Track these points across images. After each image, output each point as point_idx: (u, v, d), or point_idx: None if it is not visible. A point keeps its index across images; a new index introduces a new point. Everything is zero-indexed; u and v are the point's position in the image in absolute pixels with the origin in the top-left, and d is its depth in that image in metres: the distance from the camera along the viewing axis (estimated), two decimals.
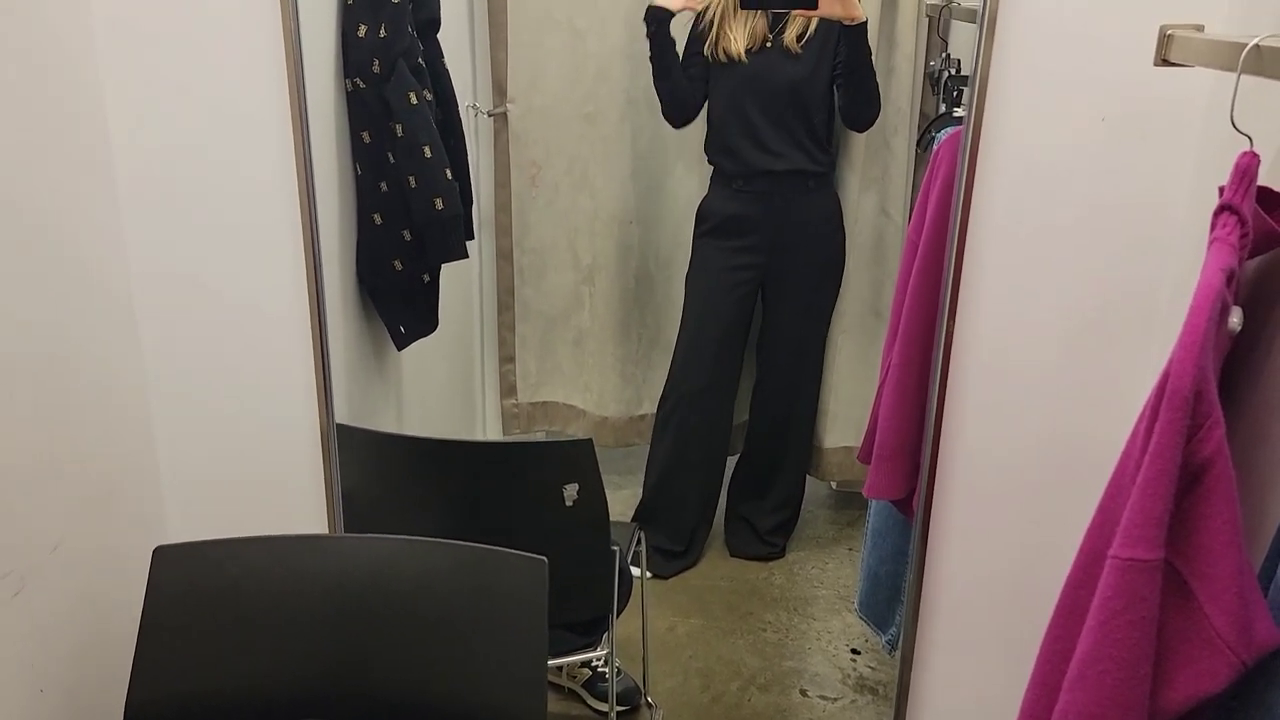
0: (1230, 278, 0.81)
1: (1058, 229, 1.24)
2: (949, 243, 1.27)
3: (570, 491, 1.54)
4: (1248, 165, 0.84)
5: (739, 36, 2.20)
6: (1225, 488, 0.74)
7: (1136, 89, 1.17)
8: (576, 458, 1.53)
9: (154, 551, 1.21)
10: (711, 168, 2.38)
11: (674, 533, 2.54)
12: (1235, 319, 0.88)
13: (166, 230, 1.40)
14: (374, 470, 1.59)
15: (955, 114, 1.83)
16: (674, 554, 2.52)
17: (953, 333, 1.28)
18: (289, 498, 1.48)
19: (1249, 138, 0.86)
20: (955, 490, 1.34)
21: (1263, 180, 0.92)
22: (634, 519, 2.59)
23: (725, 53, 2.22)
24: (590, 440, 1.52)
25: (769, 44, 2.21)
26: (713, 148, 2.35)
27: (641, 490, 2.62)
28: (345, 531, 1.49)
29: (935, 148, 1.67)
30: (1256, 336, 0.93)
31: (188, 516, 1.49)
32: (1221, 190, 0.87)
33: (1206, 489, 0.74)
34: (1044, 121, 1.21)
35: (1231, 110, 0.83)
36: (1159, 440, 0.73)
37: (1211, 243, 0.83)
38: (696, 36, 2.26)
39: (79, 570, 1.32)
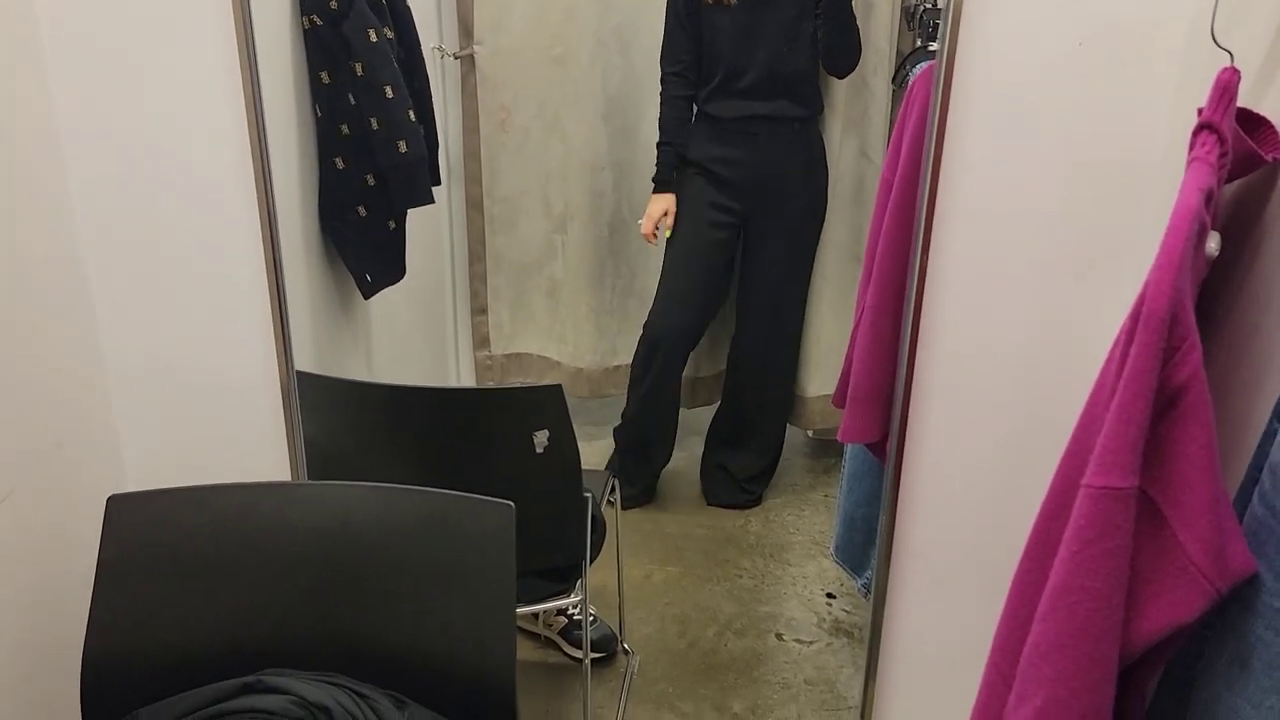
0: (1209, 198, 0.78)
1: (1035, 158, 1.21)
2: (922, 176, 1.23)
3: (540, 438, 1.51)
4: (1228, 81, 0.81)
5: None
6: (1201, 413, 0.72)
7: (1115, 10, 1.13)
8: (546, 404, 1.50)
9: (108, 500, 1.17)
10: (694, 109, 2.33)
11: (638, 476, 2.56)
12: (1213, 244, 0.85)
13: (114, 176, 1.35)
14: (339, 419, 1.56)
15: (930, 48, 1.78)
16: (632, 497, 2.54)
17: (926, 268, 1.25)
18: (251, 447, 1.44)
19: (1229, 53, 0.82)
20: (928, 429, 1.32)
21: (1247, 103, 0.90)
22: (607, 466, 2.58)
23: None
24: (560, 386, 1.49)
25: None
26: (700, 96, 2.30)
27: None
28: (309, 481, 1.46)
29: (910, 83, 1.63)
30: (1235, 261, 0.90)
31: (146, 466, 1.45)
32: (1201, 110, 0.84)
33: (1182, 414, 0.72)
34: (1019, 48, 1.17)
35: (1212, 22, 0.80)
36: (1134, 365, 0.71)
37: (1190, 162, 0.80)
38: None
39: (31, 521, 1.28)
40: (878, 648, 1.41)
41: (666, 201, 2.37)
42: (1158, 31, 1.13)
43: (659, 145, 2.37)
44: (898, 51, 2.39)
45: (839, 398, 1.76)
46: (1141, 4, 1.12)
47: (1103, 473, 0.72)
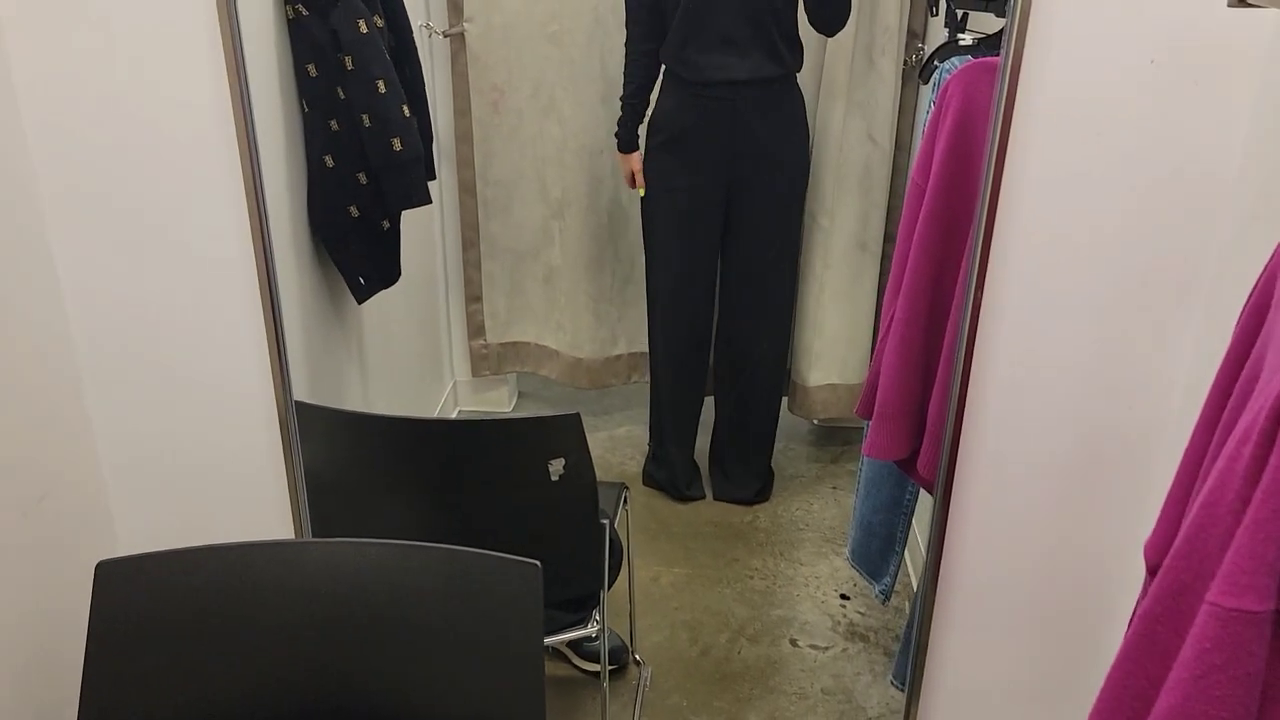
0: None
1: (1097, 185, 1.12)
2: (980, 198, 1.14)
3: (556, 466, 1.43)
4: None
5: None
6: None
7: (1190, 30, 1.04)
8: (563, 432, 1.41)
9: (96, 567, 1.08)
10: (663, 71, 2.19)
11: (680, 472, 2.50)
12: None
13: (92, 194, 1.23)
14: (342, 452, 1.46)
15: (961, 41, 1.67)
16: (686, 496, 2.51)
17: (980, 300, 1.16)
18: (248, 486, 1.34)
19: None
20: (978, 469, 1.24)
21: None
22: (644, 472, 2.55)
23: None
24: (578, 415, 1.40)
25: None
26: (669, 51, 2.14)
27: (621, 427, 2.53)
28: (312, 521, 1.36)
29: (943, 82, 1.53)
30: None
31: (135, 516, 1.35)
32: None
33: None
34: (1087, 62, 1.07)
35: None
36: (1274, 476, 0.63)
37: None
38: None
39: (16, 584, 1.19)
40: (918, 691, 1.35)
41: (633, 160, 2.29)
42: (1237, 53, 1.04)
43: (621, 102, 2.25)
44: (909, 31, 2.28)
45: (864, 409, 1.68)
46: (1220, 24, 1.02)
47: (1235, 593, 0.64)
